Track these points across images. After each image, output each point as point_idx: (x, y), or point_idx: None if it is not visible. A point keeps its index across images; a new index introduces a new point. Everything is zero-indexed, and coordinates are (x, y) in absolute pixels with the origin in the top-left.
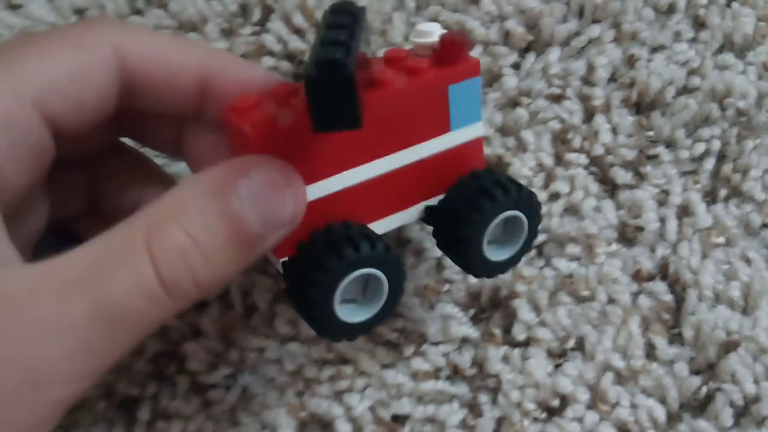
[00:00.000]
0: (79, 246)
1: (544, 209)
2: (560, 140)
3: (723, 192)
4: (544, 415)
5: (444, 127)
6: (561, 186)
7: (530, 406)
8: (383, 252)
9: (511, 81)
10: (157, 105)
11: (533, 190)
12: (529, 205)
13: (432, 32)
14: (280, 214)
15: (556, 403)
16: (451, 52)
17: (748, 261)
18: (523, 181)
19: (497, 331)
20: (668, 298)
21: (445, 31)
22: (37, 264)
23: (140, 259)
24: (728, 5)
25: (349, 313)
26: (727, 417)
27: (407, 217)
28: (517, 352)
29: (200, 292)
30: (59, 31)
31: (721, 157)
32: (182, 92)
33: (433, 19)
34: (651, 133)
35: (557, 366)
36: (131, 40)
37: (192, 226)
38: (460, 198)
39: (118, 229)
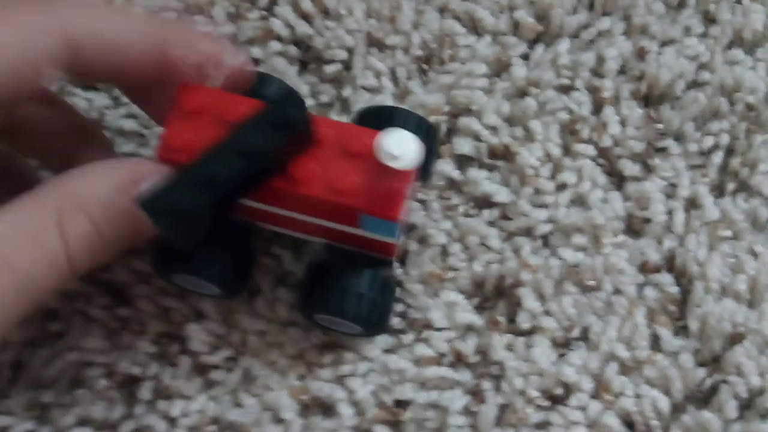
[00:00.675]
0: None
1: (551, 199)
2: (568, 131)
3: (731, 186)
4: (547, 403)
5: (353, 223)
6: (568, 176)
7: (534, 393)
8: None
9: (520, 71)
10: (106, 80)
11: (541, 179)
12: None
13: (401, 156)
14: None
15: (559, 391)
16: (384, 195)
17: (754, 254)
18: (530, 171)
19: (502, 319)
20: (674, 290)
21: (415, 153)
22: None
23: (54, 243)
24: (739, 1)
25: None
26: (731, 409)
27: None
28: (521, 340)
29: (93, 268)
30: (11, 9)
31: (730, 151)
32: (137, 74)
33: (443, 9)
34: (660, 126)
35: (561, 355)
36: (84, 23)
37: (98, 217)
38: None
39: (31, 207)
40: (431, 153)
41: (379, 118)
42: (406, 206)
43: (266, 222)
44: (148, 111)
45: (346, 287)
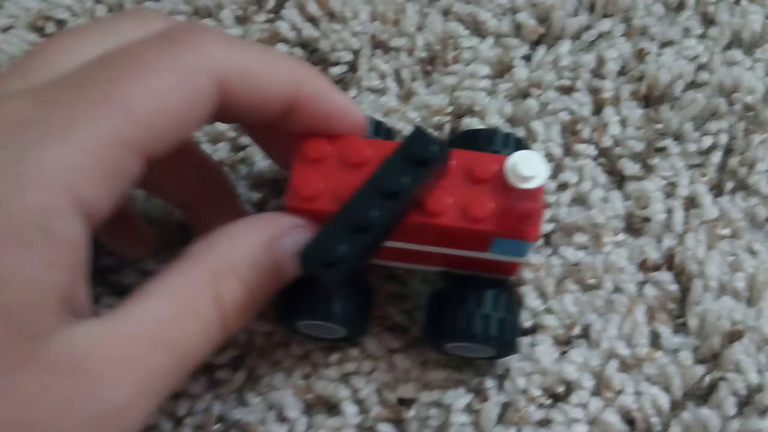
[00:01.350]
0: (143, 293)
1: (552, 198)
2: (569, 131)
3: (729, 185)
4: (549, 401)
5: (483, 248)
6: (569, 176)
7: (536, 392)
8: None
9: (521, 72)
10: (236, 120)
11: None
12: None
13: (534, 177)
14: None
15: (561, 389)
16: (522, 217)
17: (753, 253)
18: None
19: None
20: (674, 287)
21: (545, 172)
22: (113, 318)
23: (210, 313)
24: (737, 2)
25: None
26: (730, 406)
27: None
28: (523, 338)
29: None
30: (161, 48)
31: (728, 151)
32: (268, 114)
33: (446, 11)
34: (659, 126)
35: (563, 353)
36: (232, 61)
37: (249, 279)
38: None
39: (183, 278)
40: None
41: (475, 141)
42: None
43: (388, 258)
44: (270, 152)
45: (471, 311)
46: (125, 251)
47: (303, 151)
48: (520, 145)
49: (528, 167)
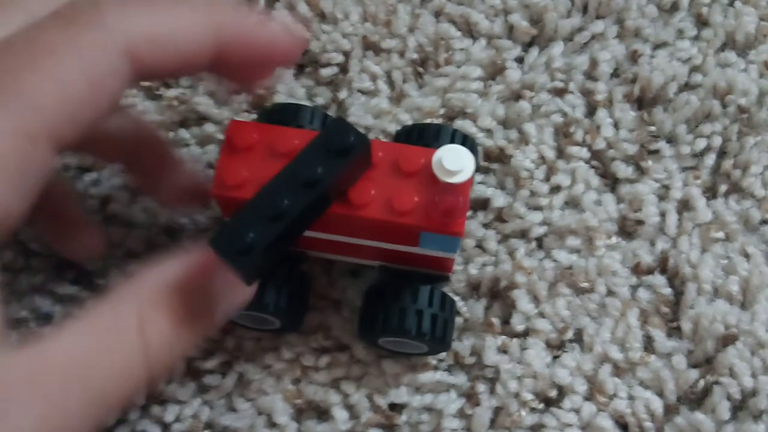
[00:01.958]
0: (66, 324)
1: (545, 201)
2: (562, 134)
3: (723, 187)
4: (541, 406)
5: (413, 242)
6: (562, 179)
7: (528, 396)
8: None
9: (514, 74)
10: (162, 79)
11: (535, 182)
12: None
13: (460, 172)
14: (235, 308)
15: (553, 393)
16: (446, 211)
17: (747, 256)
18: (525, 174)
19: (496, 321)
20: (667, 291)
21: (471, 167)
22: (29, 346)
23: (134, 354)
24: (731, 4)
25: None
26: (724, 410)
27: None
28: (515, 342)
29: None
30: (59, 30)
31: (722, 153)
32: (194, 70)
33: (438, 13)
34: (652, 129)
35: (555, 357)
36: (137, 29)
37: (177, 321)
38: None
39: (108, 309)
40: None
41: (420, 136)
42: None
43: (321, 250)
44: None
45: (406, 306)
46: (72, 254)
47: (230, 139)
48: (468, 141)
49: (454, 161)
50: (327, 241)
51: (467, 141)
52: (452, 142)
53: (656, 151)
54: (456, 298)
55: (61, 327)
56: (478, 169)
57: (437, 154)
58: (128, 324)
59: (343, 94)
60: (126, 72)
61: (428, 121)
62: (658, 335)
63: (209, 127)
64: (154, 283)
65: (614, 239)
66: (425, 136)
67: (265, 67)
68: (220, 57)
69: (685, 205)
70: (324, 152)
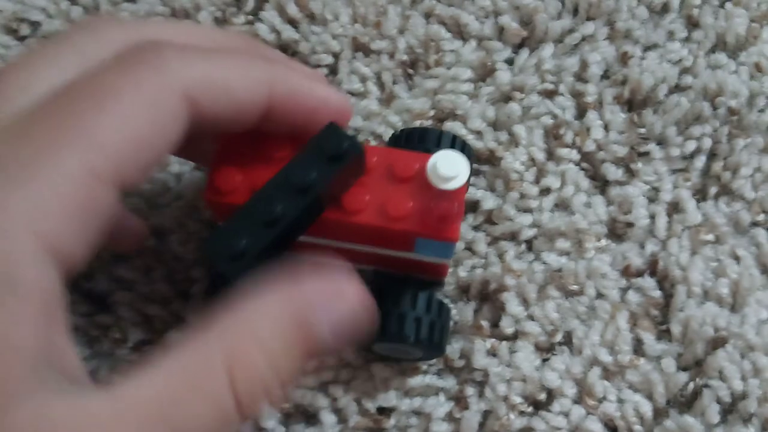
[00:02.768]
0: (144, 366)
1: (535, 204)
2: (552, 135)
3: (713, 190)
4: (530, 409)
5: (408, 248)
6: (552, 181)
7: (517, 399)
8: None
9: (504, 76)
10: (214, 132)
11: (525, 184)
12: None
13: (455, 178)
14: (350, 333)
15: (542, 397)
16: (440, 217)
17: (737, 258)
18: (514, 176)
19: (485, 324)
20: (657, 294)
21: (466, 173)
22: (112, 392)
23: (222, 391)
24: (721, 6)
25: None
26: (713, 413)
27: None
28: (505, 345)
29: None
30: (122, 73)
31: (712, 156)
32: (245, 122)
33: (428, 14)
34: (642, 131)
35: (545, 360)
36: (197, 74)
37: (273, 355)
38: None
39: (192, 350)
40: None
41: (412, 139)
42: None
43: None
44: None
45: (404, 313)
46: (120, 247)
47: (224, 143)
48: (460, 144)
49: (449, 167)
50: (322, 247)
51: (466, 147)
52: (452, 147)
53: (646, 153)
54: (445, 301)
55: (139, 370)
56: (473, 156)
57: (432, 160)
58: (214, 363)
59: None
60: (185, 116)
61: (418, 123)
62: (648, 338)
63: None
64: (248, 319)
65: (604, 242)
66: (426, 140)
67: (314, 126)
68: (273, 111)
69: (674, 208)
70: (318, 157)
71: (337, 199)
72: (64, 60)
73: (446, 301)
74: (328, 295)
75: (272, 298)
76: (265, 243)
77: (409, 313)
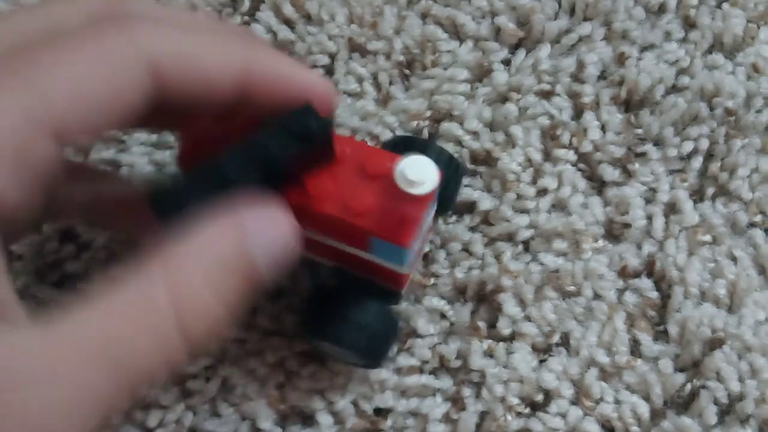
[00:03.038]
0: (89, 298)
1: (532, 204)
2: (549, 136)
3: (710, 190)
4: (527, 410)
5: (364, 246)
6: (549, 182)
7: (514, 400)
8: None
9: (501, 76)
10: (184, 109)
11: (522, 185)
12: None
13: (420, 183)
14: (283, 262)
15: (539, 398)
16: (398, 220)
17: (734, 259)
18: (511, 177)
19: (482, 325)
20: (654, 294)
21: (433, 180)
22: (48, 328)
23: (167, 325)
24: (718, 6)
25: None
26: (711, 415)
27: None
28: (501, 346)
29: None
30: (87, 33)
31: (709, 156)
32: (217, 100)
33: (425, 14)
34: (639, 131)
35: (542, 361)
36: (167, 46)
37: (215, 282)
38: None
39: (135, 284)
40: (457, 186)
41: (406, 148)
42: (419, 235)
43: None
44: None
45: (349, 317)
46: (137, 234)
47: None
48: (451, 161)
49: (416, 172)
50: None
51: (453, 161)
52: (438, 160)
53: (643, 154)
54: (442, 302)
55: (81, 302)
56: (465, 173)
57: (401, 162)
58: (157, 293)
59: None
60: (147, 88)
61: (415, 123)
62: (645, 339)
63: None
64: (182, 250)
65: (601, 242)
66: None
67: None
68: (250, 92)
69: (672, 208)
70: (283, 134)
71: (302, 183)
72: (33, 22)
73: (442, 301)
74: (263, 222)
75: (212, 230)
76: (207, 203)
77: (353, 317)
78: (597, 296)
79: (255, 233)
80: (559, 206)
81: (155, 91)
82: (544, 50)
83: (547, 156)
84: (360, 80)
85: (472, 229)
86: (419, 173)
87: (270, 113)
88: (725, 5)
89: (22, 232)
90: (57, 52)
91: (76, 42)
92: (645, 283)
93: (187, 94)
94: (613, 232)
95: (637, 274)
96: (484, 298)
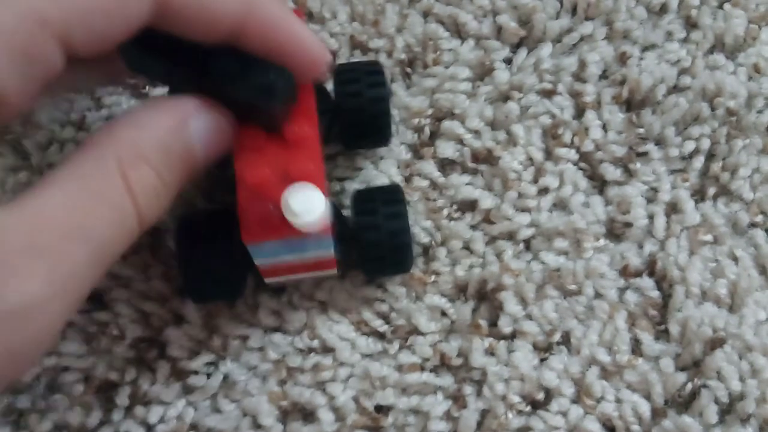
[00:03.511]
0: (48, 181)
1: (533, 203)
2: (550, 135)
3: (711, 190)
4: (528, 408)
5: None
6: (550, 181)
7: (515, 398)
8: None
9: (502, 75)
10: (183, 36)
11: (523, 183)
12: None
13: (308, 216)
14: (217, 148)
15: (540, 396)
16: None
17: (735, 259)
18: (512, 176)
19: (483, 323)
20: (655, 294)
21: (320, 212)
22: (18, 205)
23: (122, 200)
24: (720, 6)
25: None
26: (711, 414)
27: None
28: (502, 344)
29: (158, 220)
30: None
31: (711, 156)
32: (210, 35)
33: (426, 13)
34: (641, 131)
35: (543, 359)
36: None
37: (159, 165)
38: None
39: (89, 163)
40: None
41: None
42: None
43: None
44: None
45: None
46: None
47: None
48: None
49: (301, 203)
50: None
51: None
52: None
53: (645, 154)
54: (443, 300)
55: (44, 185)
56: (466, 170)
57: (286, 192)
58: (114, 177)
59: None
60: (151, 5)
61: (416, 121)
62: (646, 338)
63: None
64: (130, 132)
65: (602, 241)
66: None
67: (286, 59)
68: (245, 33)
69: (673, 208)
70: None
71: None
72: None
73: (443, 299)
74: (202, 109)
75: (154, 110)
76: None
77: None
78: (598, 295)
79: (194, 117)
80: (561, 205)
81: (157, 12)
82: (546, 49)
83: (549, 155)
84: None
85: (473, 227)
86: (304, 204)
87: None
88: (727, 6)
89: (13, 117)
90: None
91: None
92: (646, 283)
93: (184, 24)
94: (615, 232)
95: (638, 274)
96: (485, 297)
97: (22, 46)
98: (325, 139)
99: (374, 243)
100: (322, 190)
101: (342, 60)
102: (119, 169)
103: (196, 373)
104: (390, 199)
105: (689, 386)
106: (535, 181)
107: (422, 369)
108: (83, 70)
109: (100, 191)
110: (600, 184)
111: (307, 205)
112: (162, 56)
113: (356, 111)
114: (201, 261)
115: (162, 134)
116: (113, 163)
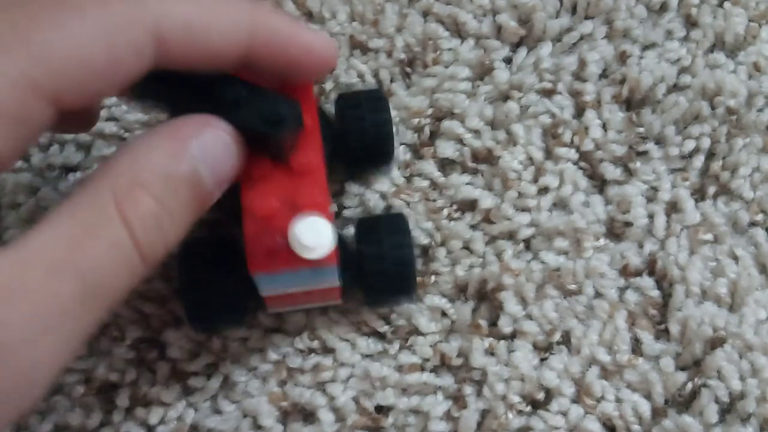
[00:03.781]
0: (45, 221)
1: (533, 203)
2: (550, 134)
3: (712, 189)
4: (528, 408)
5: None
6: (550, 180)
7: (515, 398)
8: None
9: (502, 75)
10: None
11: (523, 183)
12: None
13: (315, 247)
14: (227, 169)
15: (541, 396)
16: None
17: (735, 258)
18: (512, 175)
19: (483, 323)
20: (655, 293)
21: (329, 242)
22: (15, 248)
23: (116, 229)
24: (720, 5)
25: None
26: (712, 413)
27: None
28: (502, 344)
29: (167, 253)
30: None
31: (711, 155)
32: (223, 64)
33: (426, 12)
34: (641, 130)
35: (543, 359)
36: (173, 14)
37: (158, 190)
38: None
39: (83, 198)
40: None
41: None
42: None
43: None
44: None
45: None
46: (64, 129)
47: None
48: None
49: (310, 236)
50: None
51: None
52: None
53: (645, 153)
54: (443, 300)
55: (39, 224)
56: (466, 169)
57: (293, 223)
58: (106, 204)
59: (330, 94)
60: (149, 55)
61: (416, 121)
62: (646, 337)
63: None
64: (126, 161)
65: (602, 241)
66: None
67: (297, 74)
68: (252, 57)
69: (673, 207)
70: (256, 113)
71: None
72: None
73: (443, 299)
74: (205, 133)
75: (152, 136)
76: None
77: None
78: (598, 295)
79: (195, 137)
80: (561, 205)
81: (156, 59)
82: (546, 48)
83: (549, 154)
84: (361, 77)
85: (473, 227)
86: (313, 237)
87: (273, 74)
88: (727, 4)
89: (2, 171)
90: (61, 16)
91: (81, 3)
92: (646, 282)
93: (189, 63)
94: (615, 231)
95: (638, 273)
96: (485, 296)
97: (14, 111)
98: (328, 166)
99: (378, 273)
100: (329, 219)
101: (342, 60)
102: (114, 199)
103: (196, 374)
104: (395, 228)
105: (689, 386)
106: (535, 180)
107: (422, 369)
108: (74, 118)
109: (94, 224)
110: (600, 183)
111: (315, 235)
112: (168, 87)
113: (359, 135)
114: (203, 291)
115: (160, 159)
116: (108, 194)
